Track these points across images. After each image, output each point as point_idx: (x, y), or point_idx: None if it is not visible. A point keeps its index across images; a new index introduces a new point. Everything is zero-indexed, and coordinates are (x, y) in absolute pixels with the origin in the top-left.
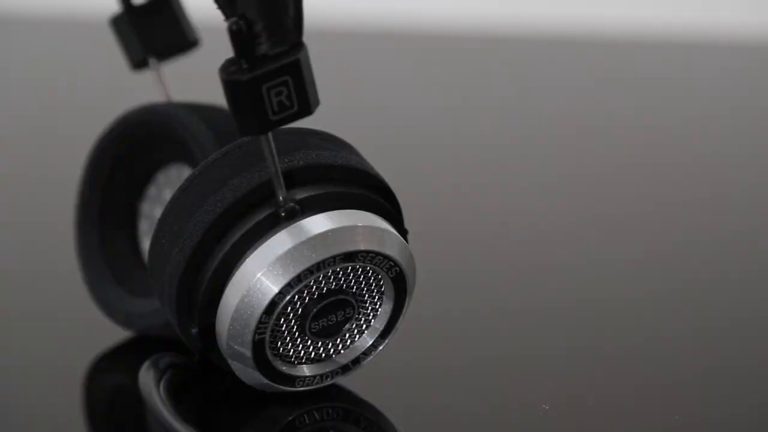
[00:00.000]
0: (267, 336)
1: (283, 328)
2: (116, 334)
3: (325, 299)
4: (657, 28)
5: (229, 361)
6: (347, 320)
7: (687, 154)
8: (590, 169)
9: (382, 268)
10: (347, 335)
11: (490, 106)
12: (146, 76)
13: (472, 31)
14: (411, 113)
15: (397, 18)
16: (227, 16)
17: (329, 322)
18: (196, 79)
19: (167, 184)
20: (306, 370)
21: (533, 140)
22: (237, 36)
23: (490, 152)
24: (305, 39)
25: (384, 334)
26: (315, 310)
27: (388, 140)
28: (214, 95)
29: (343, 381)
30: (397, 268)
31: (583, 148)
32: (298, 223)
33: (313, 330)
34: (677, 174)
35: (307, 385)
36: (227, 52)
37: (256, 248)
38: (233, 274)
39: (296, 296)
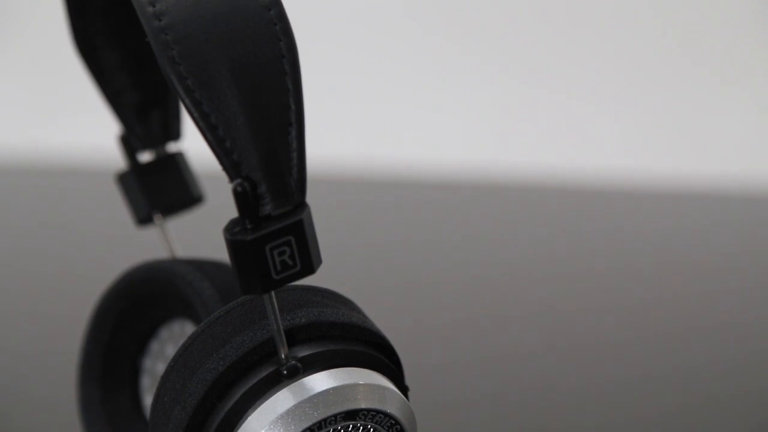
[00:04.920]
0: None
1: None
2: None
3: None
4: (650, 177)
5: None
6: None
7: (680, 302)
8: (583, 307)
9: (383, 426)
10: None
11: (485, 250)
12: (151, 232)
13: (466, 178)
14: (410, 260)
15: (393, 167)
16: (232, 178)
17: None
18: (201, 233)
19: (170, 339)
20: None
21: (527, 283)
22: (241, 197)
23: (487, 298)
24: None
25: None
26: None
27: (387, 288)
28: (219, 250)
29: None
30: (398, 426)
31: (576, 290)
32: (299, 381)
33: None
34: (670, 316)
35: None
36: (232, 204)
37: (258, 406)
38: None
39: None
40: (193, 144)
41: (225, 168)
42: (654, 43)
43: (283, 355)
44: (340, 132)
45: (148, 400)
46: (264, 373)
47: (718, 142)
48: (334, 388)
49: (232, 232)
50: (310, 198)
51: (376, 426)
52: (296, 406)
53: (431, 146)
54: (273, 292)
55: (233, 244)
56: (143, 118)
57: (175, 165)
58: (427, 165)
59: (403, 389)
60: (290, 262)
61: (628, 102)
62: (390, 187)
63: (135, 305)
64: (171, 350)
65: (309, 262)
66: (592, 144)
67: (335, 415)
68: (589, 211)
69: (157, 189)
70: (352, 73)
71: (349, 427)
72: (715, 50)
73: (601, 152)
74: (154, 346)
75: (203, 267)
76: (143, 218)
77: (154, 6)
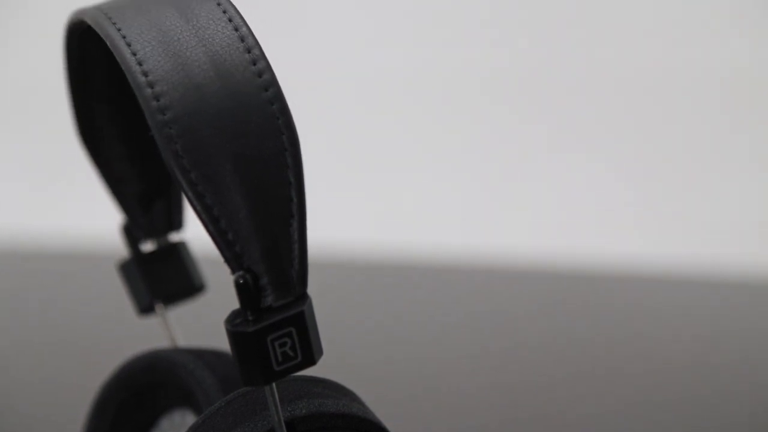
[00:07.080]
0: None
1: None
2: None
3: None
4: (656, 264)
5: None
6: None
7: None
8: (593, 396)
9: None
10: None
11: (490, 337)
12: (151, 321)
13: (466, 262)
14: (411, 349)
15: (397, 251)
16: (234, 270)
17: None
18: (203, 321)
19: (171, 430)
20: None
21: (532, 367)
22: (243, 289)
23: (493, 386)
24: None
25: None
26: None
27: (388, 378)
28: (220, 339)
29: None
30: None
31: (585, 376)
32: None
33: None
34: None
35: None
36: (233, 292)
37: None
38: None
39: None
40: (194, 231)
41: (227, 260)
42: (661, 126)
43: None
44: (338, 217)
45: None
46: None
47: (732, 226)
48: None
49: (233, 323)
50: (311, 286)
51: None
52: None
53: (431, 229)
54: (274, 384)
55: (234, 336)
56: (146, 207)
57: (177, 254)
58: (427, 248)
59: None
60: (291, 354)
61: (635, 183)
62: (393, 272)
63: (136, 395)
64: None
65: (310, 353)
66: (601, 227)
67: None
68: (598, 295)
69: (159, 278)
70: (349, 156)
71: None
72: (725, 138)
73: (609, 235)
74: None
75: (204, 356)
76: (145, 308)
77: (158, 100)
